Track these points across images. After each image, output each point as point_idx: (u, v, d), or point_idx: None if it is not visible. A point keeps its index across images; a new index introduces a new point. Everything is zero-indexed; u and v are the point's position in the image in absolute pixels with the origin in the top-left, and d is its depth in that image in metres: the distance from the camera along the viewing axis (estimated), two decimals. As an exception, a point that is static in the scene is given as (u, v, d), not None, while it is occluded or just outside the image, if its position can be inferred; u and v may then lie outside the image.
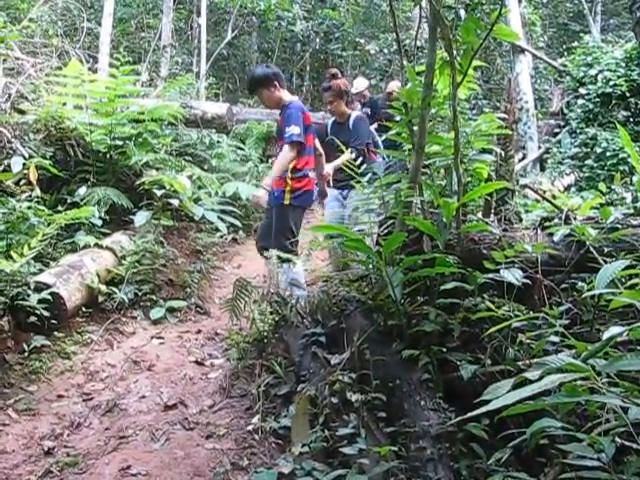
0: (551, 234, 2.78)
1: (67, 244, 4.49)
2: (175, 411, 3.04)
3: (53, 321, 3.62)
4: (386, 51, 13.86)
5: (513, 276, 2.37)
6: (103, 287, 4.16)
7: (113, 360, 3.64)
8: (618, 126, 3.13)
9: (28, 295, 3.54)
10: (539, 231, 2.85)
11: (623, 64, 9.66)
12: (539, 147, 10.29)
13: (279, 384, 2.99)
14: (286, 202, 4.03)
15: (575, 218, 2.89)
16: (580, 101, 9.93)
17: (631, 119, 9.35)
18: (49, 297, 3.59)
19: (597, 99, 9.69)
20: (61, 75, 5.30)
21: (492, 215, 3.26)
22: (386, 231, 2.82)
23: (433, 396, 2.33)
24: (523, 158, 9.86)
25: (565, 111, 10.41)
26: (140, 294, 4.37)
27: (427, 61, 2.62)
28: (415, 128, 2.77)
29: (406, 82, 2.94)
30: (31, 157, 4.62)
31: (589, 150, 9.26)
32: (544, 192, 4.69)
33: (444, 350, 2.41)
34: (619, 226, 2.70)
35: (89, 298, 4.09)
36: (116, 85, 5.29)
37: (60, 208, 4.50)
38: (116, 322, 4.11)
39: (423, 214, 2.81)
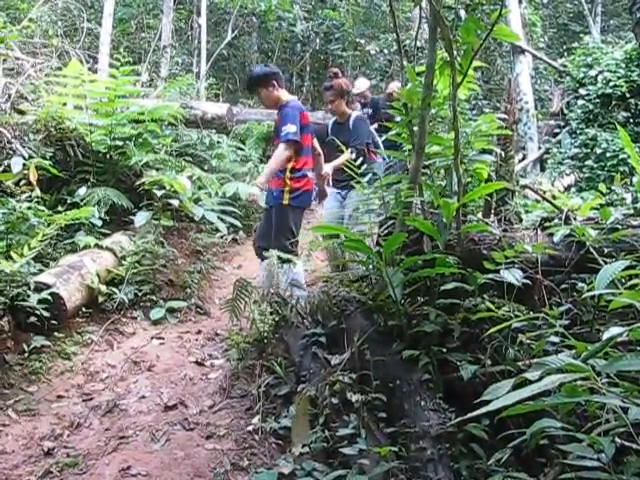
0: (551, 234, 2.78)
1: (67, 244, 4.49)
2: (175, 411, 3.04)
3: (53, 321, 3.62)
4: (386, 51, 13.86)
5: (513, 276, 2.37)
6: (103, 287, 4.16)
7: (113, 360, 3.64)
8: (618, 127, 3.13)
9: (28, 295, 3.54)
10: (539, 231, 2.85)
11: (623, 65, 9.65)
12: (539, 147, 10.28)
13: (279, 384, 2.99)
14: (285, 202, 4.04)
15: (575, 219, 2.89)
16: (580, 102, 9.92)
17: (631, 120, 9.33)
18: (49, 297, 3.59)
19: (597, 100, 9.68)
20: (61, 75, 5.29)
21: (492, 215, 3.26)
22: (386, 231, 2.83)
23: (433, 396, 2.33)
24: (523, 158, 9.85)
25: (565, 112, 10.39)
26: (140, 294, 4.37)
27: (427, 61, 2.62)
28: (415, 128, 2.78)
29: (406, 82, 2.94)
30: (31, 157, 4.61)
31: (589, 151, 9.25)
32: (544, 192, 4.68)
33: (444, 350, 2.41)
34: (619, 227, 2.70)
35: (89, 298, 4.09)
36: (116, 85, 5.29)
37: (60, 208, 4.50)
38: (116, 322, 4.11)
39: (423, 214, 2.82)
